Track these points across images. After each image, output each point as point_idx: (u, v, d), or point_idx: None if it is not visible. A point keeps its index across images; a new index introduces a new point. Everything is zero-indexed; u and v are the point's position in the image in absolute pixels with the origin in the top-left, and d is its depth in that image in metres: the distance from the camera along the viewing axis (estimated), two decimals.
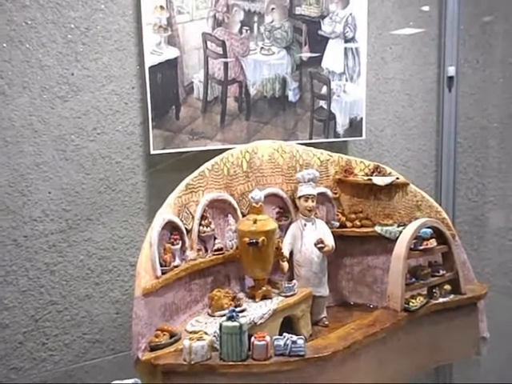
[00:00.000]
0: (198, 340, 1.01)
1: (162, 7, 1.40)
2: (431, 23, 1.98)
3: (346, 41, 1.73)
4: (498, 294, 1.86)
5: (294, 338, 1.02)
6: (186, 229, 1.24)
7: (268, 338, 1.02)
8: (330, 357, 1.04)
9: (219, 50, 1.51)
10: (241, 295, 1.29)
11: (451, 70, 2.00)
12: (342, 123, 1.75)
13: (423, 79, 2.00)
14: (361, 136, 1.80)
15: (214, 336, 1.07)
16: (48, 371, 1.39)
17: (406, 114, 1.97)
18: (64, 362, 1.41)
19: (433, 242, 1.29)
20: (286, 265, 1.35)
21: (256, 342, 1.01)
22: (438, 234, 1.31)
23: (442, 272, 1.31)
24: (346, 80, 1.74)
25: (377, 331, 1.15)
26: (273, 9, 1.58)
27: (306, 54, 1.65)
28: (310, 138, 1.69)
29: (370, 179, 1.49)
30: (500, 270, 2.22)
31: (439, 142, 2.06)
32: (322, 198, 1.49)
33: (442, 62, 2.01)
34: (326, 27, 1.69)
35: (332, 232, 1.43)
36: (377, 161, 1.61)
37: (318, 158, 1.51)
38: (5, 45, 1.29)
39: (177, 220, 1.22)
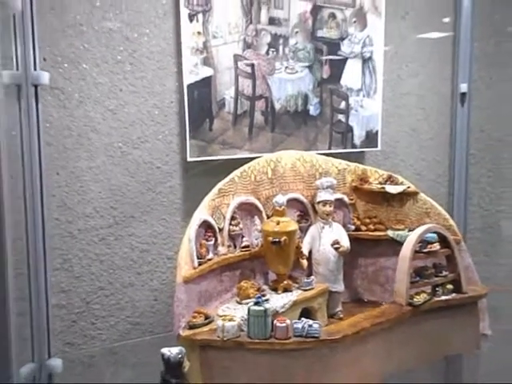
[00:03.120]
0: (229, 320, 1.18)
1: (199, 32, 1.57)
2: (446, 41, 2.07)
3: (364, 60, 1.86)
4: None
5: (310, 322, 1.19)
6: (218, 227, 1.39)
7: (288, 321, 1.19)
8: (340, 339, 1.20)
9: (248, 69, 1.66)
10: (265, 287, 1.44)
11: (463, 87, 2.08)
12: (358, 135, 1.87)
13: (438, 94, 2.09)
14: (376, 147, 1.92)
15: (242, 320, 1.23)
16: (96, 347, 1.55)
17: (420, 126, 2.07)
18: (110, 340, 1.58)
19: (436, 246, 1.41)
20: (305, 262, 1.48)
21: (278, 324, 1.18)
22: (442, 239, 1.43)
23: (444, 273, 1.43)
24: (364, 96, 1.87)
25: (383, 321, 1.29)
26: (297, 32, 1.73)
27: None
28: (329, 149, 1.81)
29: (384, 187, 1.60)
30: None
31: (452, 153, 2.15)
32: (339, 203, 1.60)
33: (455, 79, 2.09)
34: (345, 48, 1.82)
35: (348, 235, 1.55)
36: (392, 170, 1.71)
37: (336, 167, 1.63)
38: (66, 65, 1.47)
39: (210, 220, 1.38)
